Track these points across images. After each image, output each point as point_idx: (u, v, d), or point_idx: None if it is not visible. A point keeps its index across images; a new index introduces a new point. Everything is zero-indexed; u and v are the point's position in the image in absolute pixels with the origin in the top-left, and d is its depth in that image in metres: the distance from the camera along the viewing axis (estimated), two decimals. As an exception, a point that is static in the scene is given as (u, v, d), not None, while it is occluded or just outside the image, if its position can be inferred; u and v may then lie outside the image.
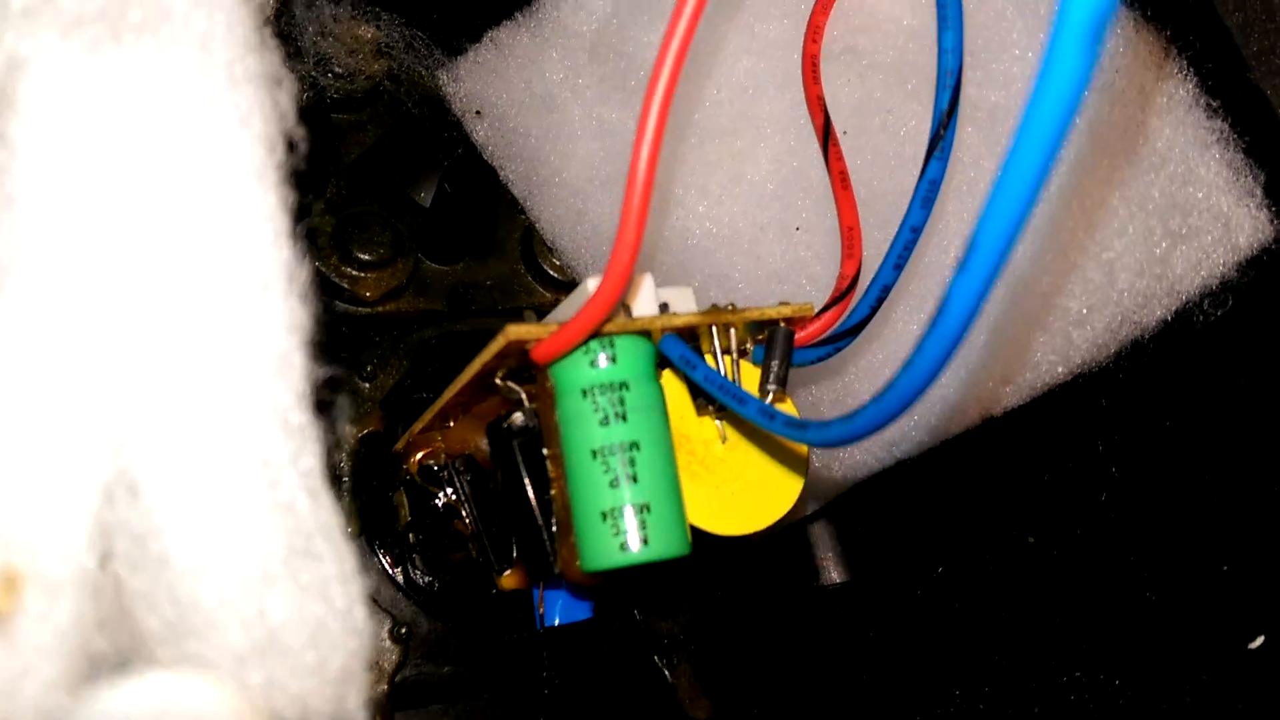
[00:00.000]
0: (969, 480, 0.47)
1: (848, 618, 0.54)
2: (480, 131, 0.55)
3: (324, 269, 0.55)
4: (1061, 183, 0.35)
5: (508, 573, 0.42)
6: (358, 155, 0.60)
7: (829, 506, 0.54)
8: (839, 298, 0.38)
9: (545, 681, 0.47)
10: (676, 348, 0.35)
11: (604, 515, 0.33)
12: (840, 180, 0.39)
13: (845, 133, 0.48)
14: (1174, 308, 0.35)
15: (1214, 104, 0.34)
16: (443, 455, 0.45)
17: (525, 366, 0.37)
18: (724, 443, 0.39)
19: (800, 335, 0.39)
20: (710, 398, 0.36)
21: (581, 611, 0.41)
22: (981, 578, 0.48)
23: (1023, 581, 0.46)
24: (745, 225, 0.52)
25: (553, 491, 0.36)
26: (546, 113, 0.54)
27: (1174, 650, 0.38)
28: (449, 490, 0.45)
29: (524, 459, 0.36)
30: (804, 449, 0.41)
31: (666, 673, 0.54)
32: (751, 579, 0.57)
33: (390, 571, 0.50)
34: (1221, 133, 0.34)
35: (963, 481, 0.47)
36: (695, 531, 0.38)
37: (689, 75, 0.52)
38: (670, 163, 0.52)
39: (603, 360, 0.34)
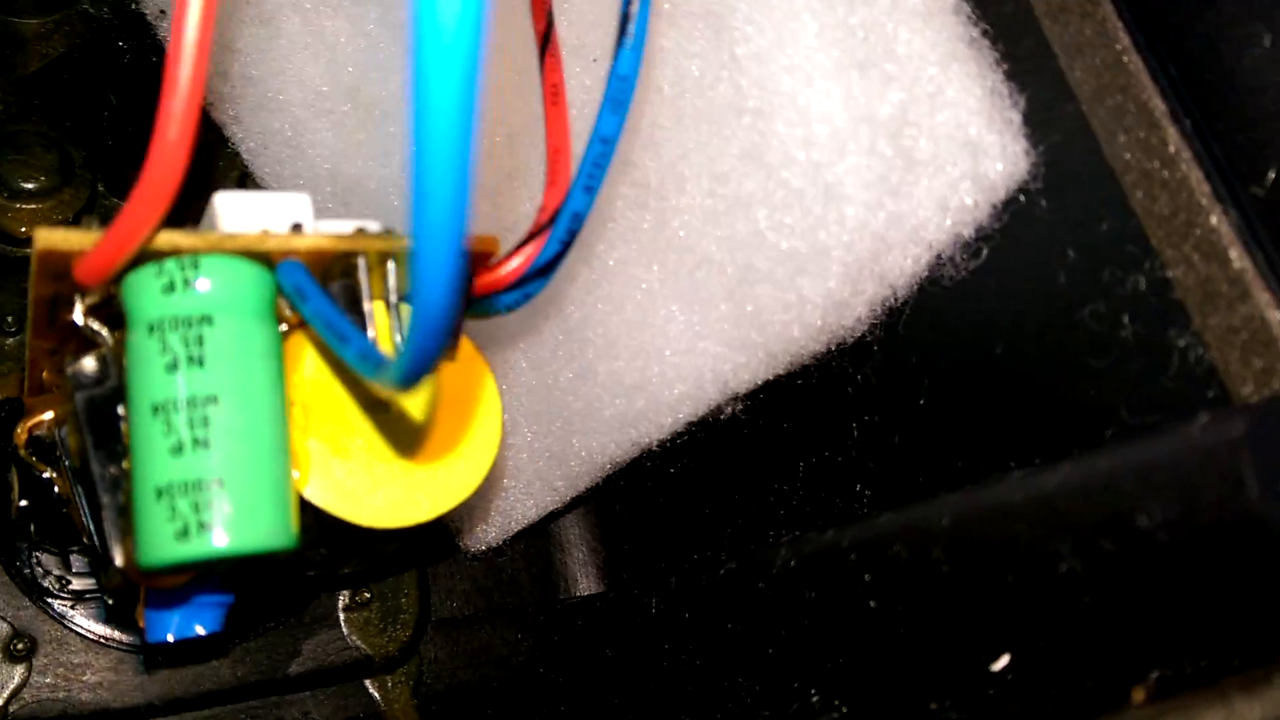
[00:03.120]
0: (717, 473, 0.40)
1: (593, 634, 0.46)
2: (175, 41, 0.46)
3: (-36, 196, 0.44)
4: (763, 75, 0.28)
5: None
6: (37, 69, 0.49)
7: (584, 504, 0.47)
8: (536, 233, 0.31)
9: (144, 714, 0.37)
10: (293, 276, 0.27)
11: (159, 492, 0.24)
12: (551, 95, 0.32)
13: (596, 59, 0.41)
14: (922, 258, 0.29)
15: (972, 12, 0.28)
16: (50, 424, 0.35)
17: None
18: (387, 411, 0.31)
19: (487, 278, 0.31)
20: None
21: (206, 621, 0.32)
22: (725, 587, 0.41)
23: (764, 592, 0.39)
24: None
25: (125, 464, 0.27)
26: (259, 24, 0.45)
27: (914, 669, 0.33)
28: (56, 467, 0.35)
29: (88, 418, 0.27)
30: (498, 423, 0.33)
31: (378, 695, 0.45)
32: (486, 589, 0.49)
33: (9, 567, 0.40)
34: (978, 45, 0.28)
35: (711, 475, 0.41)
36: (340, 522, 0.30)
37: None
38: (380, 85, 0.44)
39: (182, 285, 0.26)
